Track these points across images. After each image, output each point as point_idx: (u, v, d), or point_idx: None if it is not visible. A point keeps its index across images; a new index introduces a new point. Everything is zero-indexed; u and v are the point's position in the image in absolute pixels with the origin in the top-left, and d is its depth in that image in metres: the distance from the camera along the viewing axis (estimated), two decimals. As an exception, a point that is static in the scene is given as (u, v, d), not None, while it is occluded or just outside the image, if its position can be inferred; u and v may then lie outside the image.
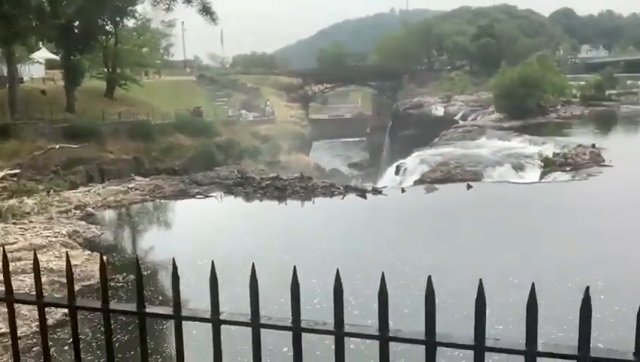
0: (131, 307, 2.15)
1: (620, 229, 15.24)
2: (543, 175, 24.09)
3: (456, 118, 48.26)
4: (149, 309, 2.14)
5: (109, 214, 21.59)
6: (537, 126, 37.05)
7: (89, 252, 15.58)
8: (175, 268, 2.04)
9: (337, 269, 1.82)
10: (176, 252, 14.96)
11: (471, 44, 74.49)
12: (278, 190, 23.43)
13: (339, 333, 1.83)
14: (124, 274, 13.74)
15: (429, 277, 1.70)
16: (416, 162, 28.55)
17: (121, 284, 13.01)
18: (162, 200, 23.63)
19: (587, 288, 1.57)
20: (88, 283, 13.09)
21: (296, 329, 1.87)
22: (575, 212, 17.62)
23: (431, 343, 1.73)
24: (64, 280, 12.29)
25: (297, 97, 65.27)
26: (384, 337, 1.76)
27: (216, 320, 1.97)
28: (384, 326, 1.77)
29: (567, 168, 23.50)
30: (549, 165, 24.54)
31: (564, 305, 8.67)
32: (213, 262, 2.01)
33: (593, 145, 25.80)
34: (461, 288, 10.90)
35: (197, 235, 17.28)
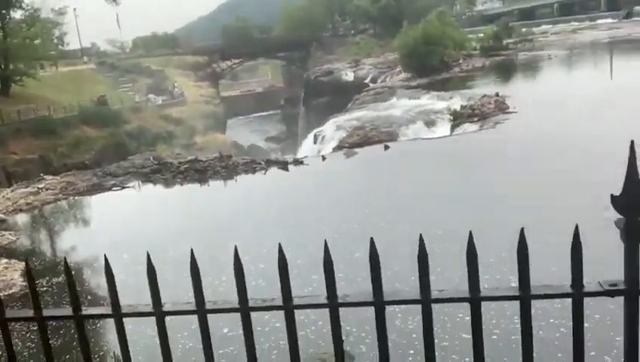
0: (67, 311, 2.05)
1: (530, 171, 16.13)
2: (453, 128, 25.00)
3: (366, 81, 48.95)
4: (86, 311, 2.05)
5: (22, 218, 20.48)
6: (443, 81, 38.25)
7: (6, 260, 14.77)
8: (108, 263, 1.96)
9: (279, 243, 1.80)
10: (100, 248, 14.42)
11: (372, 6, 75.26)
12: (199, 172, 23.00)
13: (288, 307, 1.82)
14: (47, 277, 13.16)
15: (372, 239, 1.73)
16: (332, 129, 28.81)
17: (45, 288, 12.47)
18: (76, 197, 22.63)
19: (522, 229, 1.64)
20: (10, 291, 12.46)
21: (244, 309, 1.85)
22: (485, 160, 18.47)
23: (379, 303, 1.76)
24: (-18, 293, 11.59)
25: (206, 76, 63.81)
26: (333, 304, 1.78)
27: (159, 313, 1.91)
28: (332, 294, 1.78)
29: (475, 119, 24.48)
30: (457, 118, 25.47)
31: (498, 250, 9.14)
32: (148, 254, 1.95)
33: (497, 94, 26.95)
34: (396, 247, 11.21)
35: (118, 229, 16.72)
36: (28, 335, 10.29)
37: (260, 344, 8.16)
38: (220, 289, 9.89)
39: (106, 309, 2.02)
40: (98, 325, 10.06)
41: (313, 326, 8.26)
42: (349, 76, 53.79)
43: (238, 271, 1.82)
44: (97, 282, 12.89)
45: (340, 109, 36.82)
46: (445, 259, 7.10)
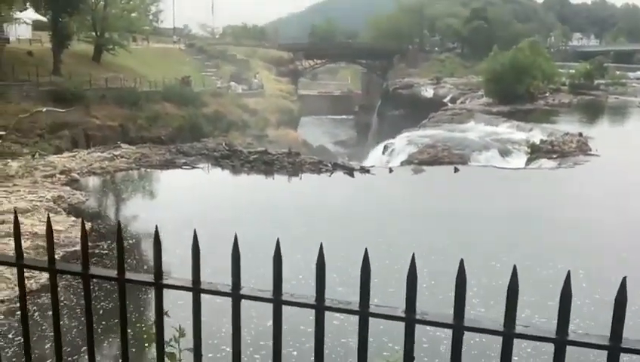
0: (111, 273, 2.13)
1: (599, 220, 15.44)
2: (529, 161, 24.26)
3: (445, 100, 48.23)
4: (130, 276, 2.12)
5: (94, 181, 21.41)
6: (525, 112, 37.18)
7: (74, 218, 15.47)
8: (157, 234, 2.02)
9: (321, 243, 1.81)
10: (162, 222, 14.85)
11: (463, 26, 74.21)
12: (266, 164, 23.38)
13: (319, 306, 1.83)
14: (109, 241, 13.67)
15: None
16: (403, 143, 28.58)
17: (106, 252, 12.94)
18: (148, 170, 23.48)
19: (568, 273, 1.58)
20: (72, 249, 13.00)
21: (277, 302, 1.87)
22: (559, 199, 17.81)
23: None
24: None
25: (287, 72, 64.69)
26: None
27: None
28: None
29: (554, 155, 23.67)
30: (535, 152, 24.70)
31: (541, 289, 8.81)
32: (195, 231, 2.00)
33: (580, 134, 25.97)
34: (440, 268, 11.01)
35: (183, 206, 17.22)
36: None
37: (307, 343, 8.21)
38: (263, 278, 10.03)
39: (149, 277, 2.09)
40: (149, 295, 10.39)
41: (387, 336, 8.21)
42: (428, 92, 53.19)
43: (276, 265, 1.84)
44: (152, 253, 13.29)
45: (414, 124, 36.46)
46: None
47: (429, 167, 22.95)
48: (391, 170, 22.78)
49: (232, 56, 58.22)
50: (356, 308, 1.80)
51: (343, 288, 9.33)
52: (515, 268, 1.65)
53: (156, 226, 2.06)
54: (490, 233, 14.30)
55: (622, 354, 1.60)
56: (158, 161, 24.44)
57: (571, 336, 1.64)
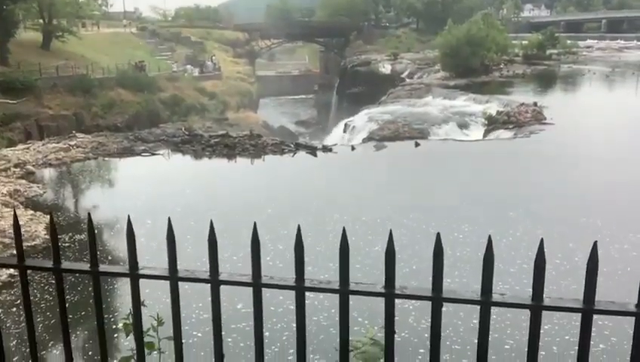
0: (84, 266, 2.09)
1: (555, 185, 15.90)
2: (486, 133, 24.70)
3: (403, 75, 48.49)
4: (104, 268, 2.08)
5: (51, 172, 20.88)
6: (481, 84, 37.74)
7: (32, 211, 15.09)
8: (130, 225, 1.99)
9: (298, 226, 1.81)
10: (124, 211, 14.66)
11: (418, 1, 74.38)
12: (228, 148, 23.17)
13: (299, 287, 1.84)
14: (70, 234, 13.41)
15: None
16: (364, 120, 28.69)
17: (67, 244, 12.71)
18: (106, 158, 23.00)
19: (541, 240, 1.62)
20: (33, 243, 12.72)
21: (300, 288, 1.86)
22: (515, 169, 18.25)
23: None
24: (7, 240, 11.86)
25: (243, 53, 63.92)
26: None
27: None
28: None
29: (510, 126, 24.15)
30: (492, 123, 25.15)
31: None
32: (169, 219, 1.97)
33: (535, 104, 26.52)
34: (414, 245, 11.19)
35: (145, 194, 16.97)
36: (47, 288, 10.55)
37: (290, 323, 8.25)
38: (238, 265, 10.00)
39: (123, 268, 2.05)
40: (115, 285, 10.26)
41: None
42: (386, 69, 53.34)
43: (254, 248, 1.83)
44: (115, 243, 13.13)
45: (373, 101, 36.62)
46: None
47: (390, 142, 23.14)
48: (353, 148, 22.88)
49: (187, 39, 57.15)
50: (336, 286, 1.81)
51: (311, 268, 9.41)
52: (490, 238, 1.68)
53: (128, 216, 2.02)
54: (453, 205, 14.56)
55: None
56: (116, 149, 23.95)
57: (546, 302, 1.69)
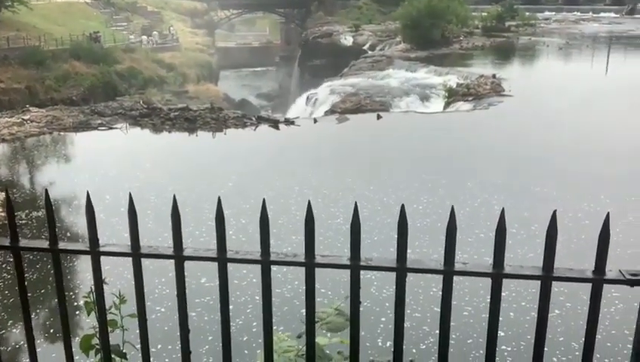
0: (43, 243, 2.04)
1: (513, 155, 16.27)
2: (446, 105, 24.95)
3: (365, 47, 48.34)
4: (64, 245, 2.04)
5: (4, 148, 20.24)
6: (442, 56, 37.97)
7: (-17, 189, 14.62)
8: (89, 201, 1.94)
9: (264, 199, 1.81)
10: (82, 186, 14.36)
11: (379, -29, 73.86)
12: (188, 121, 22.79)
13: (265, 261, 1.84)
14: (27, 211, 13.09)
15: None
16: (326, 92, 28.59)
17: (24, 221, 12.42)
18: (61, 133, 22.37)
19: (502, 210, 1.66)
20: (-14, 221, 12.37)
21: (222, 260, 1.86)
22: (474, 139, 18.57)
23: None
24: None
25: (202, 23, 62.63)
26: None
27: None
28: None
29: (470, 98, 24.43)
30: (452, 95, 25.40)
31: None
32: (130, 195, 1.93)
33: (494, 76, 26.86)
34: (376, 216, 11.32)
35: (103, 169, 16.61)
36: (3, 266, 10.32)
37: (256, 296, 8.27)
38: (200, 239, 9.95)
39: (84, 246, 2.02)
40: (75, 263, 10.09)
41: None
42: (347, 40, 53.07)
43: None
44: (73, 219, 12.89)
45: (335, 73, 36.48)
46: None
47: (352, 115, 23.15)
48: (315, 121, 22.83)
49: (143, 9, 55.63)
50: (302, 260, 1.82)
51: (274, 240, 9.41)
52: (452, 209, 1.71)
53: (87, 192, 1.98)
54: (413, 177, 14.76)
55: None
56: (72, 123, 23.29)
57: (507, 270, 1.74)
